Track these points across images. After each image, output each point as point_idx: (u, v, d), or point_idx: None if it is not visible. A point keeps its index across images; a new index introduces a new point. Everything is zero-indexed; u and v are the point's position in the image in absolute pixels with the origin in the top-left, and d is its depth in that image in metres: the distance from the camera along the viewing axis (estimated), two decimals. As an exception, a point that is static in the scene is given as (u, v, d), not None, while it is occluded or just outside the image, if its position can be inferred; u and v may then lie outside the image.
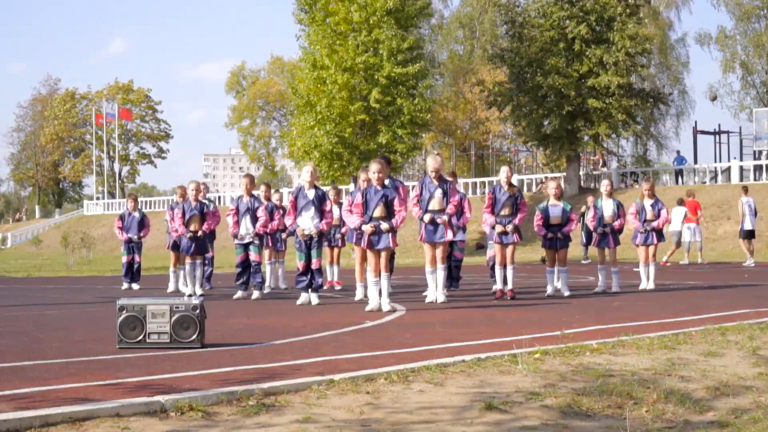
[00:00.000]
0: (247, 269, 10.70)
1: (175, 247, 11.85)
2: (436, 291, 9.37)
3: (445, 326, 7.01)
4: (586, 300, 9.85)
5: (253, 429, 3.43)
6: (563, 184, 30.77)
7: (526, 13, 33.42)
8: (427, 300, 9.47)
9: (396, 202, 8.76)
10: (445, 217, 9.09)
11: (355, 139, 28.92)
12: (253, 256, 10.68)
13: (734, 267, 17.63)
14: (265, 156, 68.42)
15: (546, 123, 33.15)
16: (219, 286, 12.95)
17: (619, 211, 11.39)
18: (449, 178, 9.80)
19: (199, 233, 11.03)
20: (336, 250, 12.31)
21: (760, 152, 35.70)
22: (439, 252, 9.18)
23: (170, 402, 3.74)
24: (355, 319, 7.57)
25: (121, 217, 13.29)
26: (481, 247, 12.93)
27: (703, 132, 41.77)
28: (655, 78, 47.22)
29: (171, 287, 12.20)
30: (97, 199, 59.63)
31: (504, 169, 10.17)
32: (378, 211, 8.68)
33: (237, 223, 10.72)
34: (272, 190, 12.42)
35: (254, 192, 11.00)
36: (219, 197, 45.12)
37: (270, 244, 12.10)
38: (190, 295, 10.22)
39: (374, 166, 8.83)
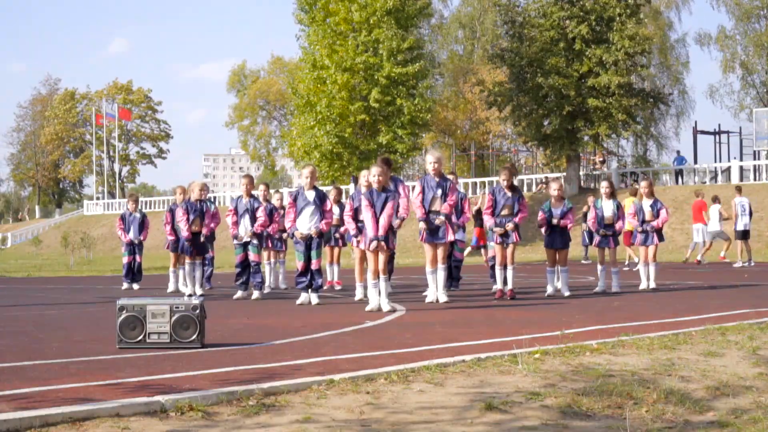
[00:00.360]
0: (246, 269, 10.70)
1: (175, 247, 11.84)
2: (436, 291, 9.37)
3: (445, 326, 7.01)
4: (586, 300, 9.85)
5: (253, 429, 3.43)
6: (563, 184, 30.74)
7: (526, 13, 33.42)
8: (428, 300, 9.47)
9: (397, 204, 8.82)
10: (442, 217, 9.13)
11: (355, 139, 28.92)
12: (252, 256, 10.68)
13: (733, 267, 17.62)
14: (265, 156, 68.43)
15: (546, 123, 33.16)
16: (219, 286, 12.95)
17: (619, 212, 11.38)
18: (449, 176, 9.81)
19: (203, 233, 11.06)
20: (336, 250, 12.30)
21: (759, 152, 35.71)
22: (439, 252, 9.21)
23: (170, 402, 3.74)
24: (355, 319, 7.57)
25: (122, 218, 13.30)
26: (479, 247, 12.94)
27: (703, 132, 41.78)
28: (655, 78, 47.23)
29: (171, 287, 12.19)
30: (97, 199, 59.64)
31: (504, 174, 10.05)
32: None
33: (236, 224, 10.73)
34: (272, 191, 12.43)
35: (254, 192, 11.00)
36: (215, 197, 45.11)
37: (269, 245, 12.12)
38: (190, 295, 10.23)
39: (375, 170, 8.84)
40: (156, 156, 72.54)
